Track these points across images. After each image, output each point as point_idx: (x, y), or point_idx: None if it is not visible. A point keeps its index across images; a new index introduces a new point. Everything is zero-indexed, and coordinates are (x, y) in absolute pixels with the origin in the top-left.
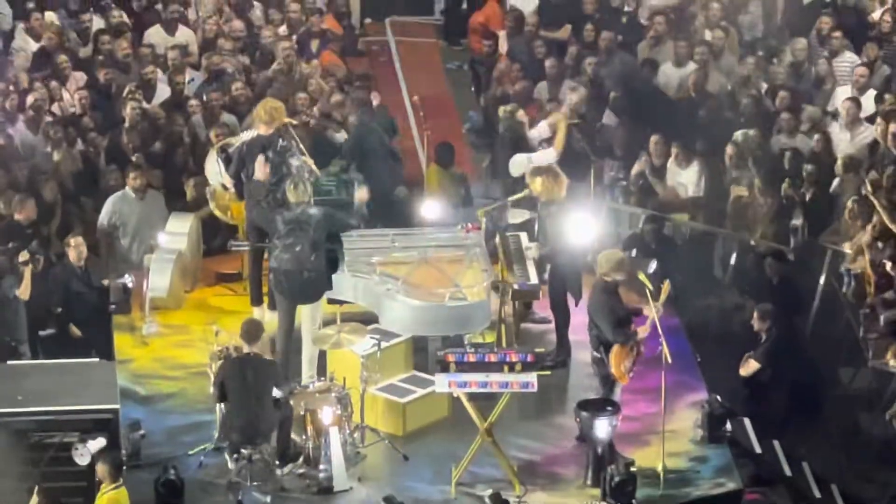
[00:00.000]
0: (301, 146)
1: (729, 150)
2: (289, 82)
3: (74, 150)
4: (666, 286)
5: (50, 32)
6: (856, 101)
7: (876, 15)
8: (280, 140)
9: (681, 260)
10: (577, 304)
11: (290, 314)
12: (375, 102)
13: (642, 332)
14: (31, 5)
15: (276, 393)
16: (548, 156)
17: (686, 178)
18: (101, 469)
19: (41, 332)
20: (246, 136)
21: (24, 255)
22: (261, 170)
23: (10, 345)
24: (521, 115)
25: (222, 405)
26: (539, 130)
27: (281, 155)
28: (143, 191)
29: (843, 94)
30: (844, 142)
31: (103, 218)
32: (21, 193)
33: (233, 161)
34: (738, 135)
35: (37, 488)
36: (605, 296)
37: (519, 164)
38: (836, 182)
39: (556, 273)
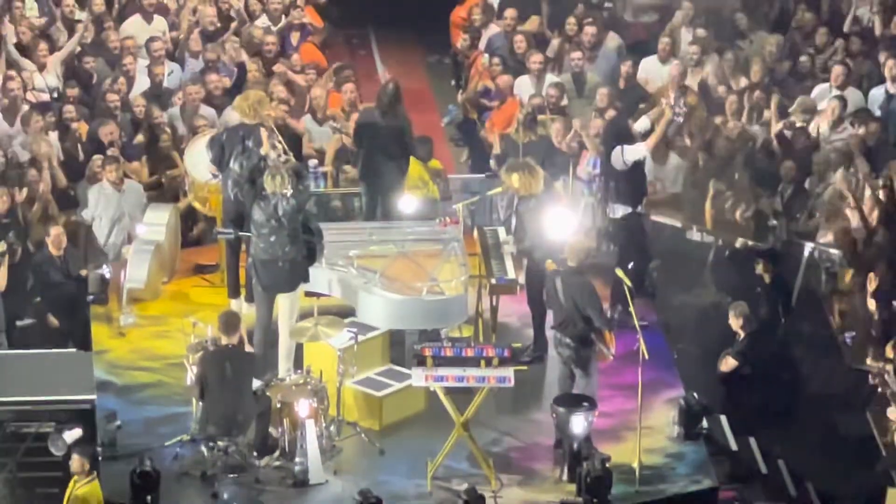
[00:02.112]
0: (280, 138)
1: (719, 143)
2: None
3: (54, 138)
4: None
5: (27, 23)
6: (842, 101)
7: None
8: (260, 130)
9: (658, 256)
10: None
11: (267, 306)
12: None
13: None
14: None
15: (255, 385)
16: (639, 151)
17: (664, 174)
18: (76, 462)
19: (19, 322)
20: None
21: (0, 246)
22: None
23: None
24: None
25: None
26: (640, 124)
27: (259, 146)
28: (121, 183)
29: (822, 91)
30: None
31: (82, 209)
32: None
33: (214, 148)
34: (731, 128)
35: None
36: (585, 279)
37: (617, 156)
38: (812, 180)
39: (532, 268)
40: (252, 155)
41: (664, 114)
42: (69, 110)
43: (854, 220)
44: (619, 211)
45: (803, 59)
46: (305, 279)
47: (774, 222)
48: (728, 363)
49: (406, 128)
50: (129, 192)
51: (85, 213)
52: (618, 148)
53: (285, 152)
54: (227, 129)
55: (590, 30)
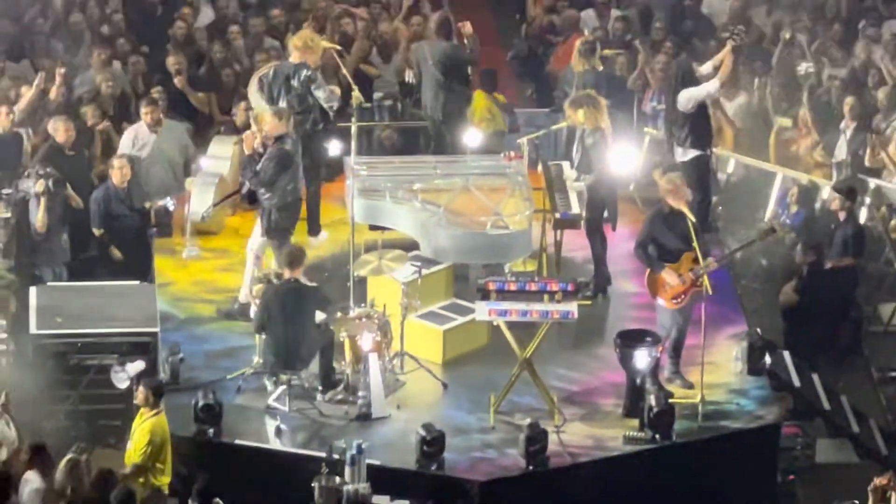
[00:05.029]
0: (347, 75)
1: (783, 80)
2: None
3: (118, 71)
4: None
5: None
6: None
7: None
8: (305, 70)
9: (722, 192)
10: (613, 230)
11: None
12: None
13: (669, 275)
14: None
15: (319, 318)
16: (712, 86)
17: (731, 111)
18: (141, 394)
19: (82, 255)
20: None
21: (40, 185)
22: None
23: (32, 272)
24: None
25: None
26: (705, 68)
27: (304, 85)
28: (157, 124)
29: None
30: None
31: (122, 148)
32: (56, 116)
33: (262, 88)
34: (802, 66)
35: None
36: (649, 217)
37: (688, 98)
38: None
39: (594, 200)
40: (298, 95)
41: (727, 48)
42: (122, 43)
43: None
44: (689, 154)
45: None
46: None
47: (838, 159)
48: (789, 298)
49: (464, 56)
50: (165, 133)
51: (124, 152)
52: (683, 92)
53: (349, 87)
54: (273, 69)
55: None
